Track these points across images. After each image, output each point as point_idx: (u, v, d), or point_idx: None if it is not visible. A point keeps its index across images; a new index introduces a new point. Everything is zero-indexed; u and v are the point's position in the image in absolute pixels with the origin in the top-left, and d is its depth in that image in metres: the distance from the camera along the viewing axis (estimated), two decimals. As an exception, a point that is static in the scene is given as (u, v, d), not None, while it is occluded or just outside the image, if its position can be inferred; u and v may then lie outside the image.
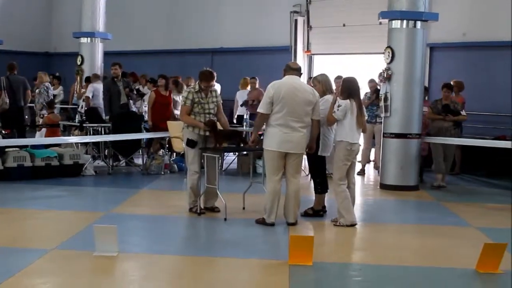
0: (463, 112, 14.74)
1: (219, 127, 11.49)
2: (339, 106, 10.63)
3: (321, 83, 11.11)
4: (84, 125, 16.45)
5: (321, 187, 11.40)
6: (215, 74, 11.56)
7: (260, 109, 10.41)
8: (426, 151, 15.69)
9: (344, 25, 21.46)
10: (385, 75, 14.48)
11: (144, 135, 16.33)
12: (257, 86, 18.60)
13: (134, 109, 17.90)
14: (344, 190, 10.73)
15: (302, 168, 10.74)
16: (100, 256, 8.49)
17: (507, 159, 15.43)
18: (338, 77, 15.51)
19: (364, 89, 15.31)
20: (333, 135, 11.03)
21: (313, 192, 11.62)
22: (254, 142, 10.86)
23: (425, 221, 11.77)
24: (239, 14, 24.24)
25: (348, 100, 10.69)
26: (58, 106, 19.90)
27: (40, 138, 17.18)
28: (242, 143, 11.72)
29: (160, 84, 16.58)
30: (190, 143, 11.27)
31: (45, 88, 19.31)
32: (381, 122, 14.98)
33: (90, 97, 18.75)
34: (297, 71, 10.66)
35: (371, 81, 16.81)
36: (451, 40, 18.92)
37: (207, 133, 11.27)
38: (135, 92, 17.85)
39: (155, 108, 16.29)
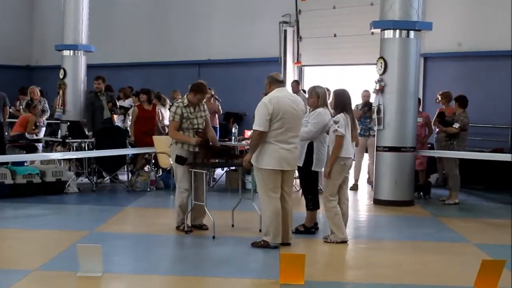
0: (455, 125, 14.48)
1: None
2: (336, 122, 10.36)
3: (319, 96, 10.83)
4: (67, 140, 16.24)
5: (313, 204, 11.15)
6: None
7: (259, 127, 9.80)
8: (424, 165, 15.51)
9: (335, 36, 21.22)
10: (377, 87, 14.22)
11: (129, 151, 16.09)
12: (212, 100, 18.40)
13: (118, 123, 17.63)
14: (335, 206, 10.49)
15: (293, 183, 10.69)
16: (84, 276, 8.30)
17: (506, 173, 15.17)
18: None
19: (355, 101, 15.09)
20: (326, 149, 10.80)
21: (305, 208, 11.34)
22: (249, 163, 10.17)
23: (421, 237, 11.59)
24: (226, 25, 24.03)
25: (342, 114, 10.45)
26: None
27: (22, 155, 16.88)
28: (231, 159, 11.37)
29: (142, 99, 16.35)
30: (180, 160, 10.98)
31: (43, 102, 18.99)
32: (374, 135, 14.80)
33: None
34: (283, 83, 10.33)
35: (365, 91, 16.57)
36: (446, 50, 18.74)
37: (196, 149, 10.95)
38: (118, 107, 17.63)
39: (138, 123, 16.16)
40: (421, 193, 15.31)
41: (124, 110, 18.57)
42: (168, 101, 17.82)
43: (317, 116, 10.66)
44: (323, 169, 10.80)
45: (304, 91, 17.58)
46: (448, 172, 14.84)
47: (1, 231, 11.27)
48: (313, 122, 10.62)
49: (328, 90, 13.66)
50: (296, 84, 18.99)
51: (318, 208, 11.21)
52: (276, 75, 10.33)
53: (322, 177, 11.12)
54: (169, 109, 16.87)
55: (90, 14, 19.75)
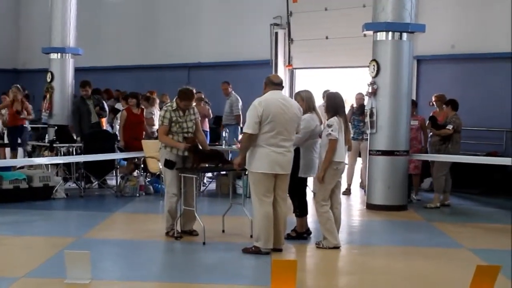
0: (448, 126, 14.38)
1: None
2: (330, 125, 10.22)
3: (304, 101, 10.63)
4: (55, 145, 16.08)
5: (299, 210, 11.02)
6: (195, 92, 11.21)
7: (248, 129, 9.73)
8: (419, 169, 15.39)
9: (327, 38, 21.10)
10: (370, 90, 14.10)
11: (117, 155, 15.95)
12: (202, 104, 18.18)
13: (107, 128, 17.45)
14: (327, 211, 10.37)
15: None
16: (72, 283, 8.20)
17: (500, 177, 15.04)
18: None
19: (348, 103, 15.01)
20: (316, 154, 10.63)
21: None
22: (240, 166, 10.14)
23: (415, 242, 11.52)
24: (216, 28, 23.93)
25: (336, 117, 10.33)
26: (28, 125, 19.32)
27: (9, 159, 16.78)
28: (221, 163, 11.23)
29: (131, 103, 16.23)
30: (168, 164, 10.86)
31: None
32: (367, 138, 14.65)
33: None
34: (280, 86, 10.14)
35: (359, 94, 16.44)
36: (440, 52, 18.66)
37: (186, 153, 10.81)
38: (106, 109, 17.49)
39: (127, 127, 16.04)
40: None
41: (113, 114, 18.39)
42: (157, 100, 17.67)
43: (302, 123, 10.42)
44: (313, 175, 10.66)
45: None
46: (434, 175, 14.80)
47: (-14, 237, 11.17)
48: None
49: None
50: (227, 86, 18.76)
51: (306, 214, 11.09)
52: (273, 77, 10.27)
53: (314, 182, 10.97)
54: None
55: (78, 16, 19.65)
